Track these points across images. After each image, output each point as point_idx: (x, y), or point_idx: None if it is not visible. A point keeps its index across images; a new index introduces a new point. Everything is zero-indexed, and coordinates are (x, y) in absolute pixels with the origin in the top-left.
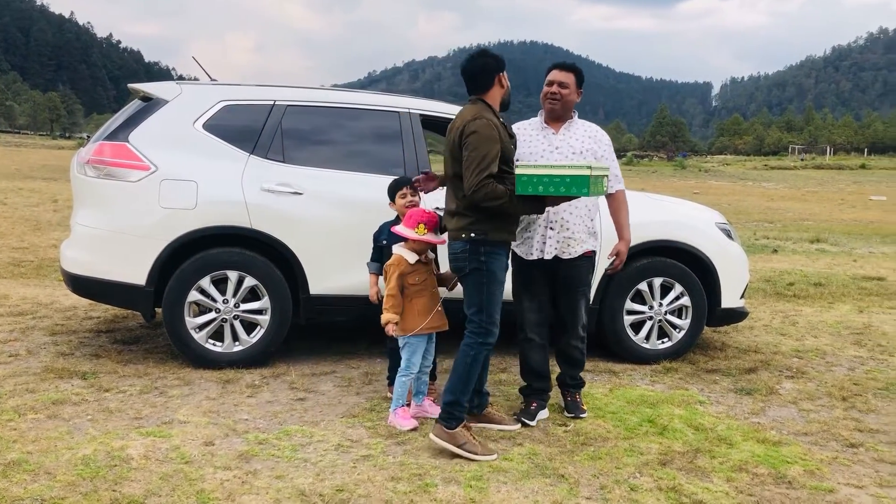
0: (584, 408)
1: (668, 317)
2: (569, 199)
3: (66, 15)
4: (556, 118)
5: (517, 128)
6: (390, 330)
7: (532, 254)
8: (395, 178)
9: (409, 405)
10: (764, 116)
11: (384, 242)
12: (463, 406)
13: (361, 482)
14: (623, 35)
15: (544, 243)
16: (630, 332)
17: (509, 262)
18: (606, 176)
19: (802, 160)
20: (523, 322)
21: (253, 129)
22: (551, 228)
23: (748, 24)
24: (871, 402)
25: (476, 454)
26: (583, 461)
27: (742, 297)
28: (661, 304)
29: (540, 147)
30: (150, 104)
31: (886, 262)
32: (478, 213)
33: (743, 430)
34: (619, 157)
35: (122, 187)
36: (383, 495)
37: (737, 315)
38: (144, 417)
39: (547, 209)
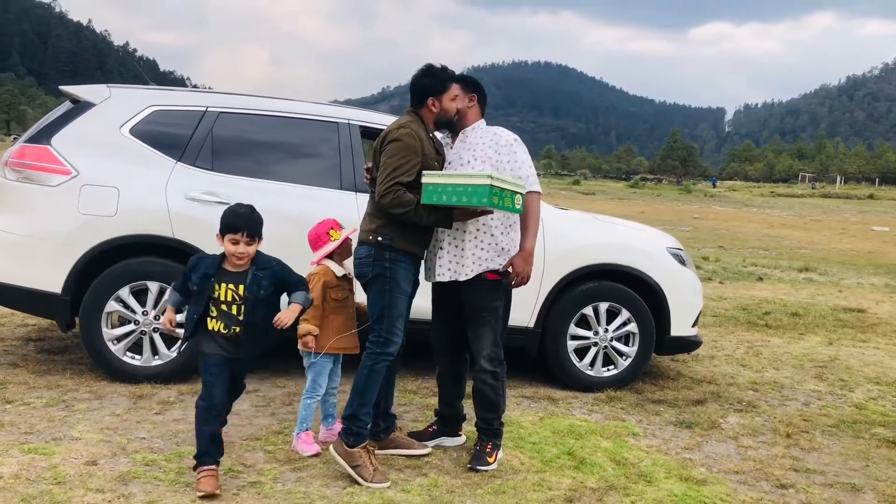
0: (490, 461)
1: (614, 343)
2: (478, 213)
3: (84, 23)
4: (456, 131)
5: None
6: (308, 342)
7: (430, 276)
8: (233, 210)
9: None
10: (776, 144)
11: (194, 285)
12: (362, 421)
13: None
14: (637, 58)
15: (436, 263)
16: (574, 358)
17: (418, 276)
18: (520, 194)
19: (814, 188)
20: (434, 346)
21: (182, 136)
22: (441, 248)
23: (763, 51)
24: (817, 440)
25: (366, 480)
26: (484, 495)
27: (694, 325)
28: (606, 330)
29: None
30: (78, 107)
31: (872, 293)
32: (388, 218)
33: (669, 466)
34: (626, 179)
35: (41, 191)
36: None
37: (688, 344)
38: (36, 433)
39: (438, 229)
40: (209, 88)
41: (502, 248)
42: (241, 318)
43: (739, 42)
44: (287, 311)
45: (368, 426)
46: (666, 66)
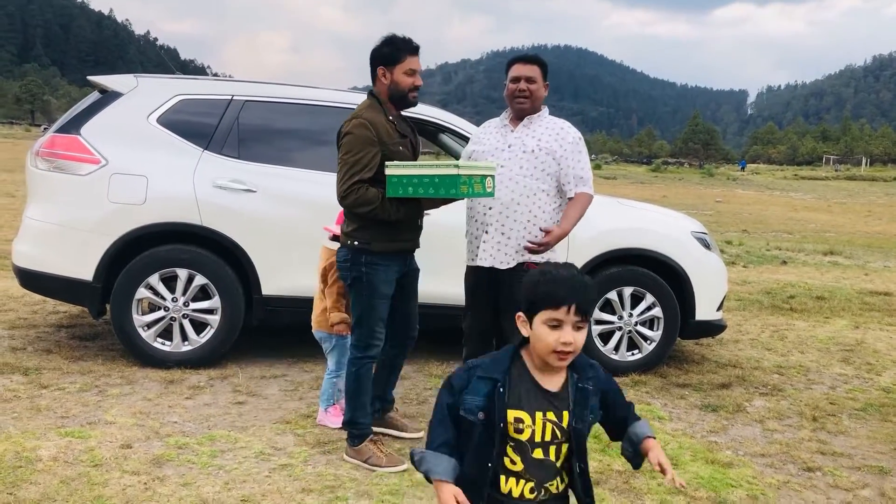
0: None
1: (639, 328)
2: (447, 201)
3: (106, 12)
4: (524, 115)
5: (483, 127)
6: (343, 330)
7: (471, 259)
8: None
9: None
10: (799, 126)
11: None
12: (361, 423)
13: (269, 493)
14: (658, 41)
15: (478, 248)
16: (598, 343)
17: (411, 267)
18: (491, 176)
19: (837, 171)
20: (465, 330)
21: (208, 125)
22: (486, 232)
23: (786, 32)
24: (843, 424)
25: (381, 466)
26: None
27: (719, 309)
28: (631, 315)
29: (491, 145)
30: (106, 97)
31: None
32: (361, 220)
33: (695, 449)
34: (647, 163)
35: (71, 181)
36: None
37: (713, 328)
38: (71, 417)
39: (486, 210)
40: (229, 77)
41: None
42: (564, 465)
43: (762, 23)
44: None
45: (370, 424)
46: (688, 49)
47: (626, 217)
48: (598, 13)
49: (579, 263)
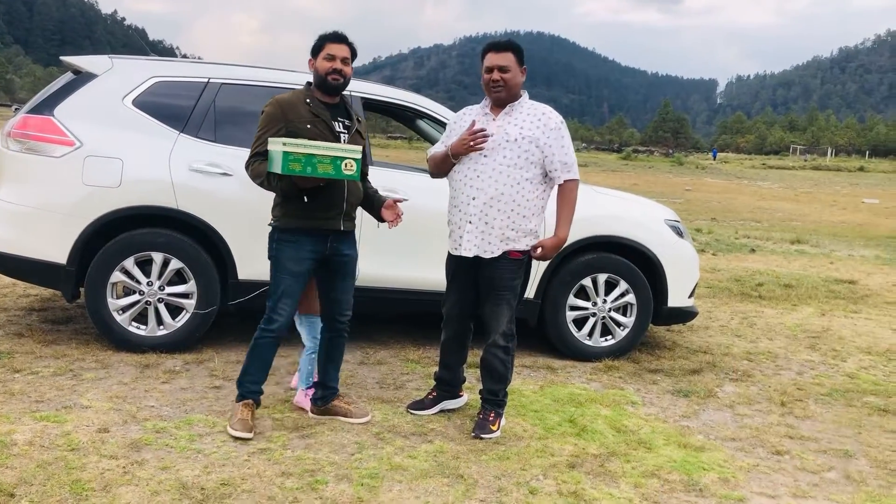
0: (494, 429)
1: (613, 314)
2: (317, 180)
3: None
4: (503, 103)
5: (460, 114)
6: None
7: (454, 248)
8: None
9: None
10: (768, 115)
11: None
12: (241, 383)
13: (249, 476)
14: (629, 29)
15: (462, 237)
16: (572, 328)
17: (318, 252)
18: (352, 159)
19: (806, 160)
20: (444, 312)
21: (185, 107)
22: (470, 223)
23: (756, 23)
24: (810, 409)
25: (230, 425)
26: (489, 461)
27: (691, 296)
28: (605, 301)
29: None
30: (80, 78)
31: (863, 265)
32: (278, 198)
33: (668, 433)
34: (618, 151)
35: (45, 162)
36: (268, 491)
37: (685, 314)
38: (46, 401)
39: (470, 201)
40: (199, 58)
41: (531, 230)
42: None
43: (732, 13)
44: None
45: (251, 391)
46: (658, 37)
47: (600, 205)
48: (571, 1)
49: None
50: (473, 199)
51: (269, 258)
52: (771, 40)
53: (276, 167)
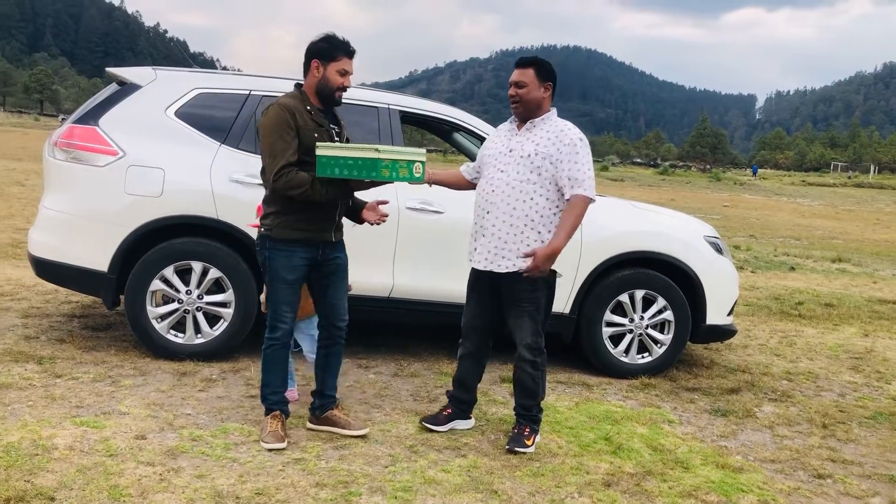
0: (528, 444)
1: (650, 331)
2: (375, 184)
3: (116, 3)
4: (524, 119)
5: (495, 131)
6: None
7: (469, 259)
8: None
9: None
10: (808, 132)
11: None
12: (265, 397)
13: (283, 486)
14: (667, 43)
15: (476, 249)
16: (608, 345)
17: (311, 260)
18: (420, 162)
19: (849, 177)
20: (463, 325)
21: (226, 119)
22: (483, 236)
23: (796, 38)
24: (854, 432)
25: (264, 442)
26: (523, 477)
27: (730, 314)
28: (642, 318)
29: (495, 149)
30: (125, 89)
31: None
32: (271, 207)
33: (705, 453)
34: (655, 166)
35: (88, 171)
36: (302, 502)
37: (723, 332)
38: (86, 406)
39: (484, 214)
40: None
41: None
42: None
43: (772, 28)
44: None
45: (277, 401)
46: (696, 52)
47: (638, 220)
48: (608, 15)
49: (591, 266)
50: (487, 212)
51: (260, 266)
52: (812, 56)
53: (331, 172)
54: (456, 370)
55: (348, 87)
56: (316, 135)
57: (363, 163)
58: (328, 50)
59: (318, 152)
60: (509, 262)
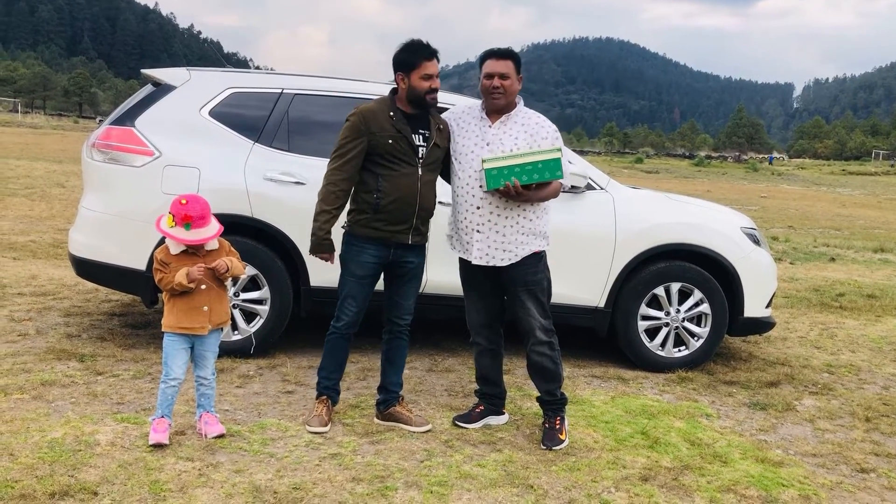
0: (563, 437)
1: (686, 324)
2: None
3: (151, 6)
4: (500, 111)
5: (459, 114)
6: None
7: (463, 252)
8: None
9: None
10: (848, 120)
11: None
12: (321, 382)
13: (321, 481)
14: (701, 33)
15: (472, 245)
16: (644, 339)
17: (382, 258)
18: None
19: (892, 165)
20: (469, 324)
21: (259, 117)
22: (478, 231)
23: (834, 24)
24: None
25: (309, 425)
26: (559, 472)
27: (768, 306)
28: (678, 311)
29: (471, 142)
30: (160, 90)
31: None
32: (352, 204)
33: (744, 447)
34: (689, 157)
35: (126, 172)
36: (339, 496)
37: (762, 325)
38: (126, 403)
39: (474, 210)
40: (271, 70)
41: (540, 231)
42: None
43: (809, 15)
44: None
45: (326, 385)
46: (731, 41)
47: (674, 212)
48: (640, 5)
49: (627, 258)
50: (478, 208)
51: (340, 260)
52: (851, 42)
53: (502, 184)
54: (476, 369)
55: (437, 87)
56: (390, 140)
57: (545, 165)
58: (406, 60)
59: (486, 166)
60: (511, 254)
